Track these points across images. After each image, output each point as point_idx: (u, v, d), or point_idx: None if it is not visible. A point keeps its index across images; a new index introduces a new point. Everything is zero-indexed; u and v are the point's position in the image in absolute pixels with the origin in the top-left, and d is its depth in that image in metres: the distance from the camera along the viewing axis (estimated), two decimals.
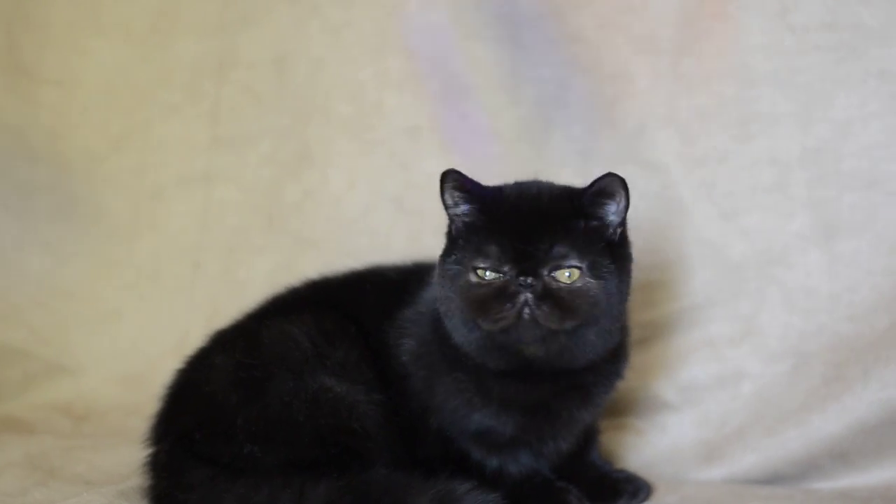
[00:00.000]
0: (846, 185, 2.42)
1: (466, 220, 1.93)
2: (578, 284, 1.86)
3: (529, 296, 1.83)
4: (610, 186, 1.90)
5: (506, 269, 1.86)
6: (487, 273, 1.87)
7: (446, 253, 1.96)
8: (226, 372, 2.00)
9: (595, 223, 1.91)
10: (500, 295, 1.85)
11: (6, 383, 2.99)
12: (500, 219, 1.90)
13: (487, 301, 1.86)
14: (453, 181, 1.92)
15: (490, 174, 2.64)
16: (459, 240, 1.93)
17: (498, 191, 1.96)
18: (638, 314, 2.54)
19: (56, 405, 2.87)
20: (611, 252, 1.91)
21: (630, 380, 2.50)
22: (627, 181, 2.47)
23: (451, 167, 1.93)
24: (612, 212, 1.92)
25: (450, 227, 1.98)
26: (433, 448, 2.06)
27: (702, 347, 2.51)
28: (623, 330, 2.06)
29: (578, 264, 1.86)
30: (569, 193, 1.94)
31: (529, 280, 1.84)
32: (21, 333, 3.03)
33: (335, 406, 1.95)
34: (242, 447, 1.91)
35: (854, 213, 2.41)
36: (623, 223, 1.95)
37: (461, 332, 1.94)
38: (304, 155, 2.90)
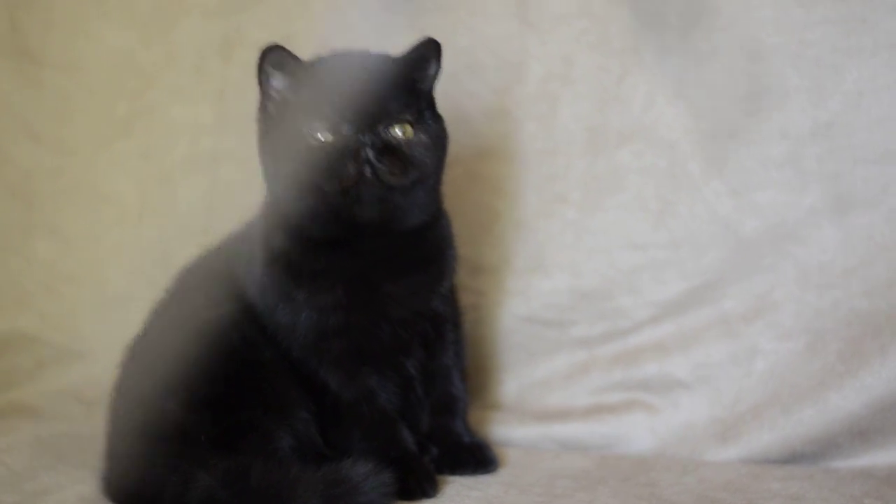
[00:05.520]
0: (859, 159, 2.39)
1: (294, 90, 2.01)
2: (412, 138, 1.98)
3: (371, 152, 1.93)
4: (429, 50, 2.04)
5: (344, 128, 1.94)
6: (327, 134, 1.94)
7: (269, 129, 2.06)
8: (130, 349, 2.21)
9: (416, 84, 2.04)
10: (342, 154, 1.93)
11: (17, 369, 2.98)
12: (331, 83, 1.98)
13: (330, 161, 1.93)
14: (277, 57, 2.01)
15: (500, 152, 2.65)
16: (287, 112, 2.01)
17: (321, 60, 2.07)
18: (650, 293, 2.55)
19: (66, 391, 2.87)
20: (430, 112, 2.06)
21: (641, 357, 2.52)
22: (638, 157, 2.47)
23: (272, 44, 2.01)
24: (429, 74, 2.06)
25: (265, 103, 2.07)
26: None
27: (715, 325, 2.49)
28: (442, 212, 2.18)
29: (410, 119, 1.99)
30: (392, 58, 2.06)
31: (368, 137, 1.93)
32: (31, 319, 3.03)
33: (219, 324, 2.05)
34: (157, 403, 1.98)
35: (867, 186, 2.38)
36: (432, 89, 2.09)
37: (293, 203, 2.00)
38: None
